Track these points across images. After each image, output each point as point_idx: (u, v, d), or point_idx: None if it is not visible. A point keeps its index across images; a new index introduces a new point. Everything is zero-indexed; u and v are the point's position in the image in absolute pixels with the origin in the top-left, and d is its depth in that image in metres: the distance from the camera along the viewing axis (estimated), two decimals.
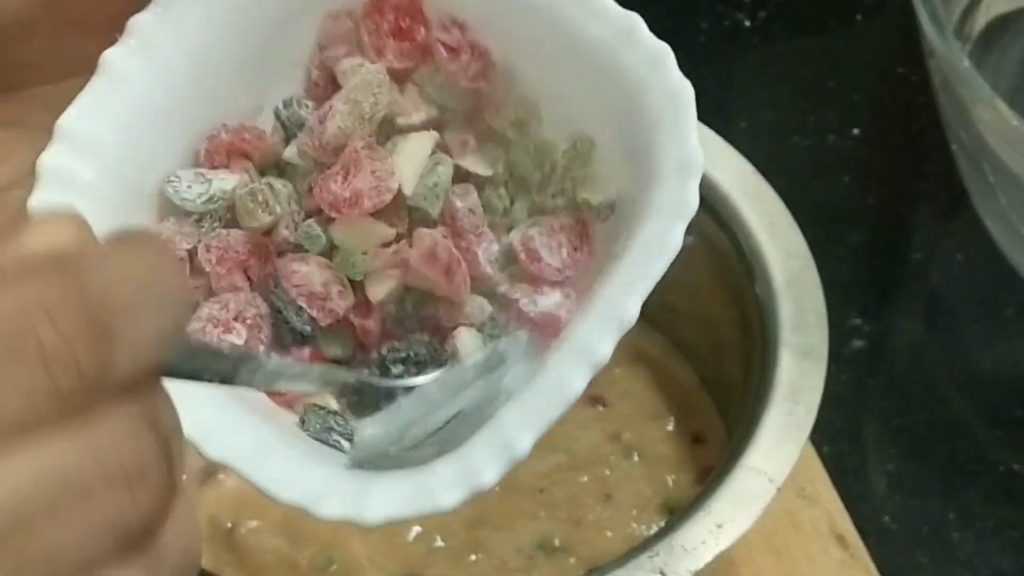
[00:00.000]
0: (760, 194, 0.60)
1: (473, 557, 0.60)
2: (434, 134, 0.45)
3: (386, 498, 0.40)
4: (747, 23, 0.85)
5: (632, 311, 0.40)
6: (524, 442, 0.40)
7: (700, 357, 0.65)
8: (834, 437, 0.68)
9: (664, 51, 0.43)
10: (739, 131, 0.80)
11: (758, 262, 0.58)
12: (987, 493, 0.67)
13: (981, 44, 0.75)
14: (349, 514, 0.40)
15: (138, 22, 0.44)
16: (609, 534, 0.61)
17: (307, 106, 0.46)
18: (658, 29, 0.39)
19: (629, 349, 0.66)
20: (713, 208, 0.60)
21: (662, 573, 0.50)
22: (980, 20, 0.75)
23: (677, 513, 0.57)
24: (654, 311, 0.66)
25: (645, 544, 0.52)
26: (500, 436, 0.40)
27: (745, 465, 0.53)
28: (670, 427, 0.64)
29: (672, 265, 0.63)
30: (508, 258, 0.45)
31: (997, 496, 0.67)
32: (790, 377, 0.55)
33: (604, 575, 0.51)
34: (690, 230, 0.61)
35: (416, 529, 0.61)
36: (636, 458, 0.63)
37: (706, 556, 0.51)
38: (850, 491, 0.65)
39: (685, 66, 0.42)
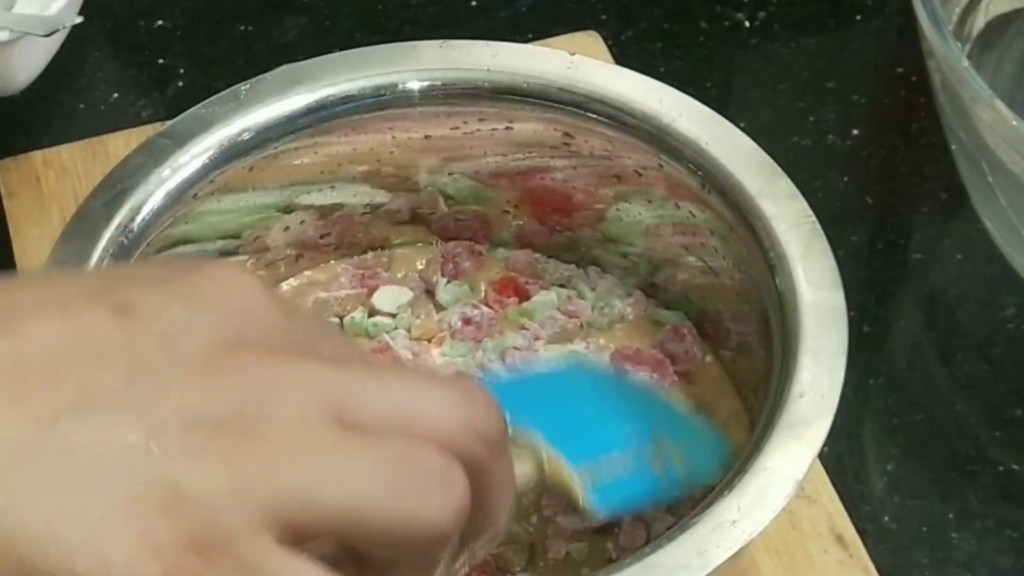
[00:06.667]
0: (780, 195, 0.60)
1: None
2: None
3: None
4: (747, 23, 0.85)
5: None
6: None
7: (725, 351, 0.65)
8: (833, 437, 0.68)
9: None
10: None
11: (780, 262, 0.59)
12: (986, 493, 0.67)
13: (980, 44, 0.75)
14: None
15: None
16: None
17: None
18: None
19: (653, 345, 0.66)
20: (737, 204, 0.61)
21: (673, 571, 0.50)
22: (979, 20, 0.75)
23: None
24: (681, 305, 0.66)
25: (655, 543, 0.51)
26: None
27: (761, 465, 0.52)
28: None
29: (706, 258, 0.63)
30: None
31: (996, 496, 0.67)
32: (809, 377, 0.55)
33: (608, 575, 0.51)
34: (718, 232, 0.61)
35: None
36: None
37: (719, 556, 0.50)
38: (849, 491, 0.65)
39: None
